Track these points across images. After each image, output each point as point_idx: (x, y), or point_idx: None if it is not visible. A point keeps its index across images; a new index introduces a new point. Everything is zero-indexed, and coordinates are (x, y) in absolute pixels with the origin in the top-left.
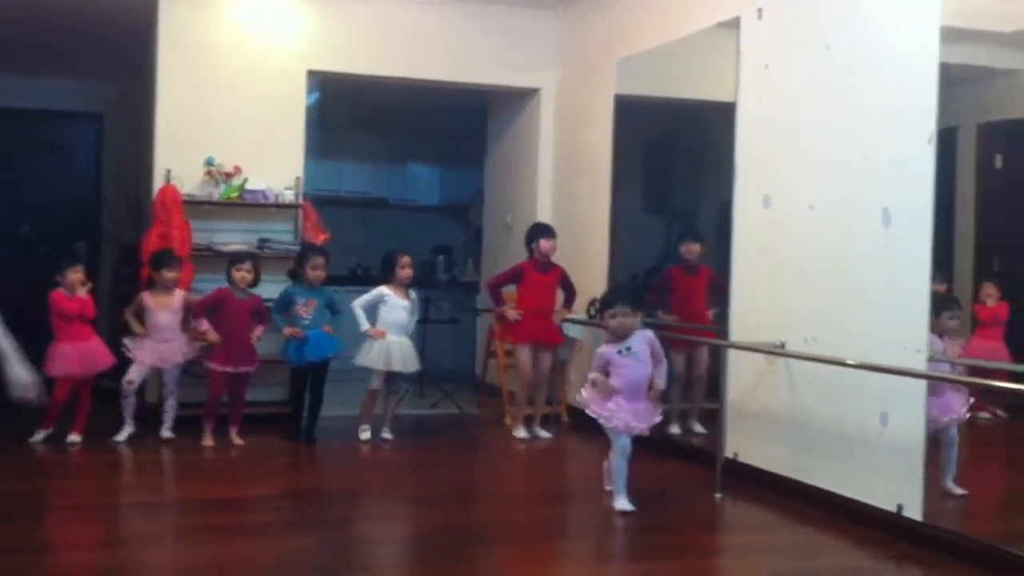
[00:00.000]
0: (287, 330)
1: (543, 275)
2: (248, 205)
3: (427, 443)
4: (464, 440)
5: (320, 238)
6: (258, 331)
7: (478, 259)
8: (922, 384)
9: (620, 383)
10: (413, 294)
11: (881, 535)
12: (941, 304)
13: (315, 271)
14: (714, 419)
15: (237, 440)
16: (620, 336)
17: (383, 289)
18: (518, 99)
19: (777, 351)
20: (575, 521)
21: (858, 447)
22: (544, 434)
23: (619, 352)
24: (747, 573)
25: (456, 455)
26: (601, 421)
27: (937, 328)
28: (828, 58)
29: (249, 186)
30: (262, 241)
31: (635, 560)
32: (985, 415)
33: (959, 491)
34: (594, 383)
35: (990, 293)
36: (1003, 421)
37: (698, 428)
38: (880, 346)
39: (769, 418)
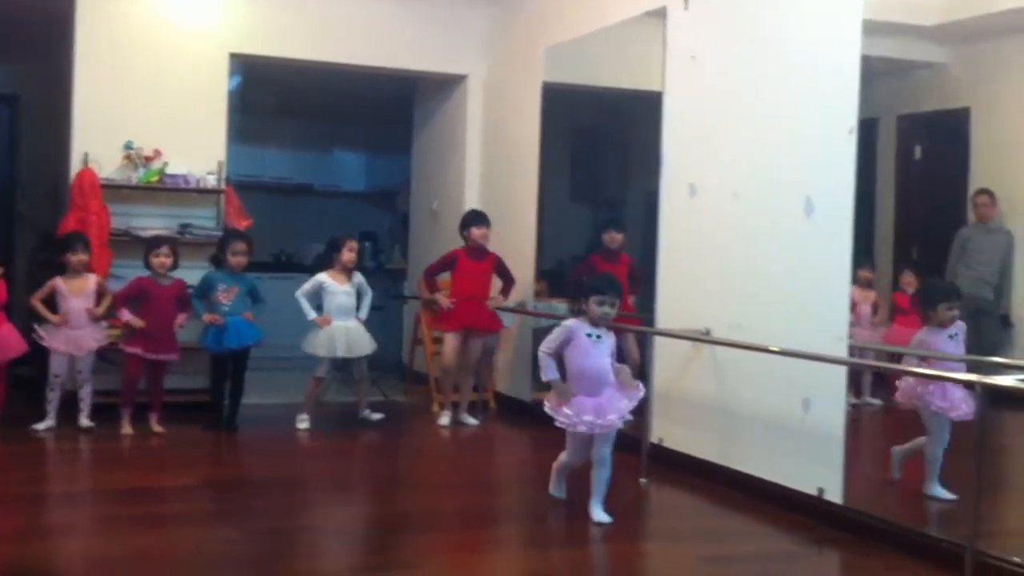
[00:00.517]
0: (207, 316)
1: (477, 262)
2: (169, 190)
3: (353, 432)
4: (390, 428)
5: (243, 224)
6: (180, 319)
7: (405, 246)
8: (842, 371)
9: (577, 369)
10: (359, 276)
11: (803, 519)
12: (940, 295)
13: (236, 257)
14: (640, 405)
15: (157, 428)
16: (594, 324)
17: (321, 277)
18: (445, 85)
19: (702, 338)
20: (503, 508)
21: (781, 432)
22: (471, 421)
23: (588, 335)
24: (672, 557)
25: (383, 443)
26: (562, 426)
27: (935, 320)
28: (753, 50)
29: (170, 170)
30: (183, 226)
31: (562, 546)
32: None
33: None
34: (550, 385)
35: (909, 281)
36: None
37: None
38: (803, 333)
39: (694, 404)
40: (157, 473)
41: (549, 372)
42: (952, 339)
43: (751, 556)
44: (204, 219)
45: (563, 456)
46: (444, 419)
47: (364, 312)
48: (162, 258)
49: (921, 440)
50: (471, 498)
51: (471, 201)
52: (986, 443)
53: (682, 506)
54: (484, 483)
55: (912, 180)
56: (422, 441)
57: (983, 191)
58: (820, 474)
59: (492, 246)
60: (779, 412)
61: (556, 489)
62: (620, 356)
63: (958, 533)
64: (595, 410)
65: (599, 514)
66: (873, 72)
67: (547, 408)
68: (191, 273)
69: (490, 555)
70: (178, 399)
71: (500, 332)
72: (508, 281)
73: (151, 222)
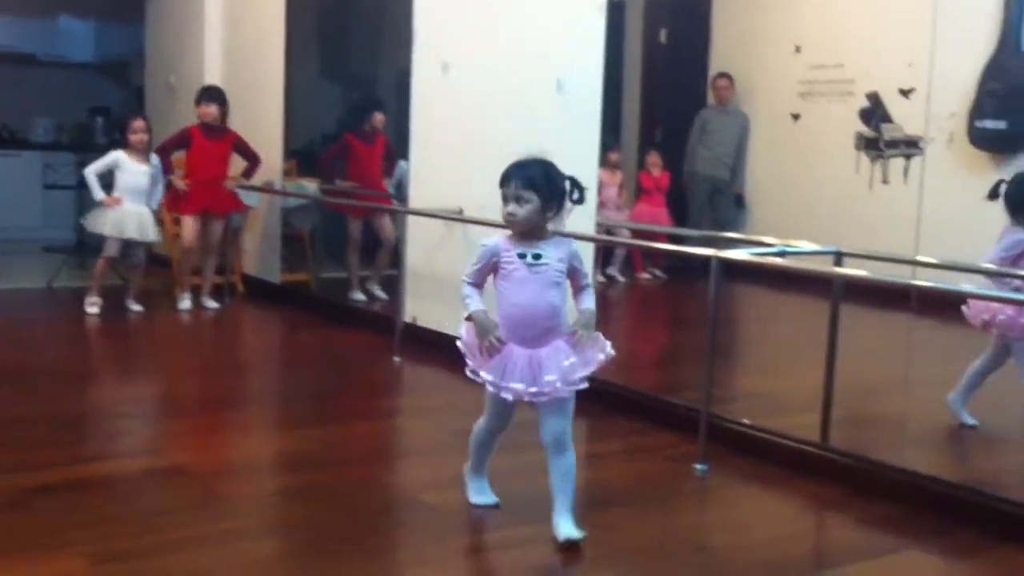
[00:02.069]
0: None
1: (213, 141)
2: None
3: (90, 316)
4: (127, 313)
5: None
6: None
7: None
8: (589, 247)
9: (507, 307)
10: (156, 160)
11: None
12: None
13: None
14: (399, 288)
15: None
16: (521, 234)
17: (118, 154)
18: None
19: (455, 217)
20: (250, 391)
21: None
22: (212, 304)
23: (521, 255)
24: (426, 432)
25: (121, 327)
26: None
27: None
28: None
29: None
30: None
31: (313, 426)
32: (646, 276)
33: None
34: (471, 319)
35: (655, 162)
36: (662, 282)
37: (380, 294)
38: None
39: (448, 283)
40: None
41: (470, 302)
42: None
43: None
44: None
45: (479, 422)
46: (185, 303)
47: (155, 201)
48: None
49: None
50: (213, 382)
51: (212, 76)
52: (719, 314)
53: (435, 383)
54: (227, 367)
55: (657, 63)
56: (162, 326)
57: (722, 74)
58: None
59: (236, 124)
60: None
61: (477, 491)
62: (375, 238)
63: (693, 398)
64: (528, 368)
65: (567, 528)
66: None
67: (460, 346)
68: None
69: (235, 437)
70: None
71: (245, 213)
72: (252, 160)
73: None
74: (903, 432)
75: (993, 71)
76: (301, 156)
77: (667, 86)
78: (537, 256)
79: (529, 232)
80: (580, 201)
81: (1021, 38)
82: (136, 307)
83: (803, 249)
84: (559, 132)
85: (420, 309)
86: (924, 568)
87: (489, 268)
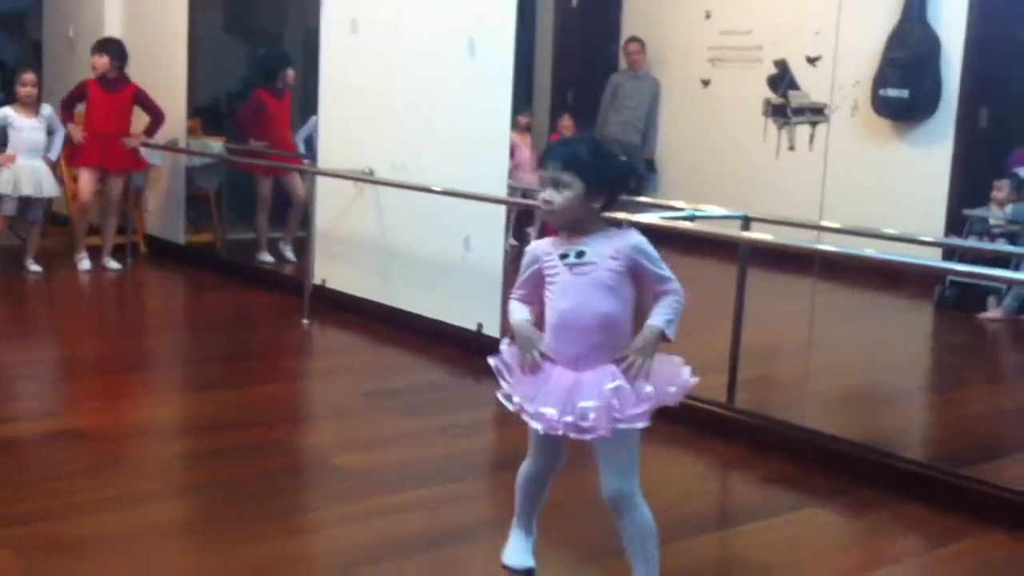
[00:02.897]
0: None
1: (110, 94)
2: None
3: None
4: (29, 272)
5: None
6: None
7: (40, 77)
8: (502, 211)
9: (552, 318)
10: (48, 110)
11: (463, 353)
12: None
13: None
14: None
15: None
16: (568, 235)
17: (6, 110)
18: None
19: (366, 178)
20: (154, 354)
21: (443, 271)
22: (113, 265)
23: (564, 256)
24: (335, 394)
25: (19, 288)
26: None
27: None
28: None
29: None
30: None
31: (220, 388)
32: None
33: None
34: (513, 341)
35: (566, 125)
36: None
37: (289, 256)
38: (465, 174)
39: (358, 244)
40: None
41: (512, 314)
42: None
43: (413, 387)
44: None
45: (524, 463)
46: (84, 263)
47: (55, 152)
48: None
49: None
50: (116, 344)
51: (112, 29)
52: None
53: (345, 345)
54: (130, 329)
55: (569, 27)
56: (61, 287)
57: (633, 39)
58: (479, 310)
59: (138, 80)
60: (441, 251)
61: (513, 549)
62: (284, 198)
63: None
64: (568, 393)
65: None
66: None
67: (492, 363)
68: None
69: (139, 400)
70: None
71: (147, 171)
72: (154, 116)
73: None
74: (806, 393)
75: (896, 40)
76: (206, 114)
77: (579, 50)
78: (580, 254)
79: (575, 227)
80: (637, 191)
81: (924, 8)
82: (35, 267)
83: (711, 213)
84: (471, 93)
85: (330, 271)
86: (824, 524)
87: (536, 277)
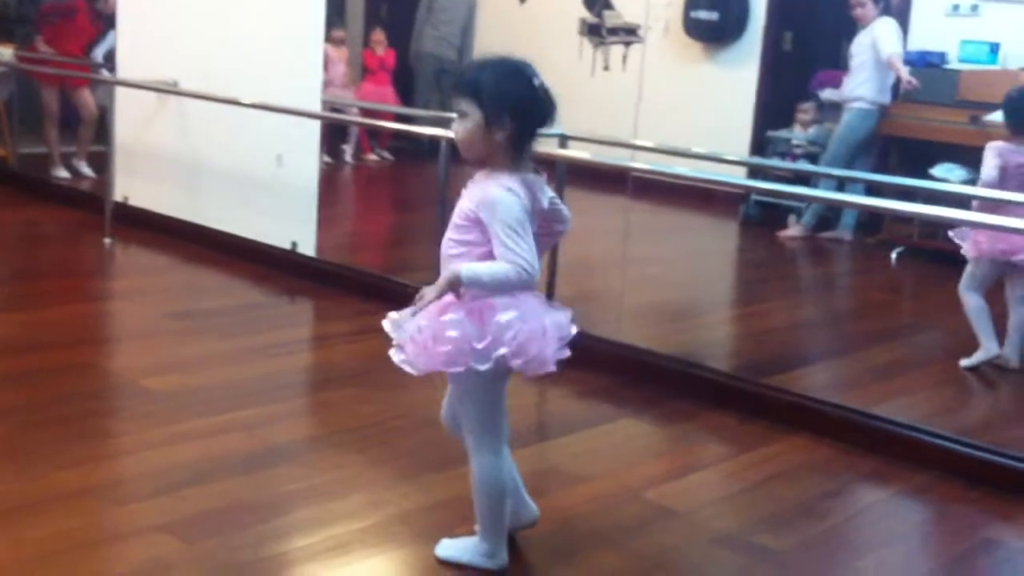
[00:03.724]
0: None
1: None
2: None
3: None
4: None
5: None
6: None
7: None
8: (316, 127)
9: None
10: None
11: (276, 272)
12: None
13: None
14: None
15: None
16: (471, 165)
17: None
18: None
19: (169, 89)
20: None
21: (254, 188)
22: (87, 171)
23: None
24: (142, 315)
25: None
26: None
27: None
28: None
29: None
30: None
31: (17, 309)
32: (373, 157)
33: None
34: None
35: (378, 40)
36: (389, 163)
37: (87, 171)
38: (277, 88)
39: (162, 160)
40: None
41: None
42: None
43: (222, 309)
44: None
45: None
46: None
47: None
48: None
49: None
50: None
51: None
52: (448, 196)
53: (149, 265)
54: None
55: None
56: None
57: None
58: (293, 229)
59: None
60: (251, 167)
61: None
62: (75, 112)
63: (421, 279)
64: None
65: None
66: None
67: None
68: None
69: None
70: None
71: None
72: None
73: None
74: (621, 308)
75: None
76: None
77: None
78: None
79: (482, 164)
80: (549, 121)
81: None
82: None
83: None
84: (280, 4)
85: (132, 188)
86: (637, 433)
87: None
